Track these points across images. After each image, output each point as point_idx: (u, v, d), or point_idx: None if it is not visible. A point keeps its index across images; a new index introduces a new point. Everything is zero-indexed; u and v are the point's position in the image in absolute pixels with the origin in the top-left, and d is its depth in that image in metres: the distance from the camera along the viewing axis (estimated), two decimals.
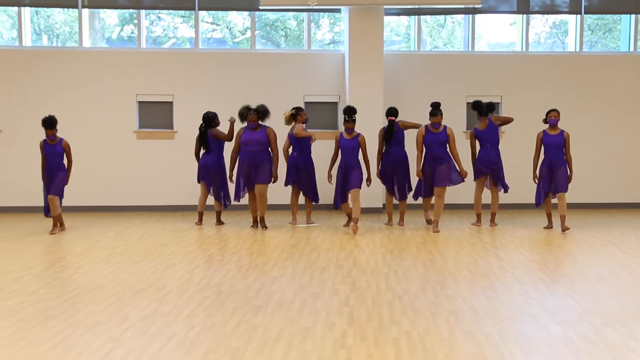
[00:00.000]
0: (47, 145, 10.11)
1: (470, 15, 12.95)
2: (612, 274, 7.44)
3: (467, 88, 12.76)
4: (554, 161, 10.16)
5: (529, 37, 13.15)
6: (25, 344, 5.10)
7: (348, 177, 10.12)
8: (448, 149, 10.20)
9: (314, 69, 12.72)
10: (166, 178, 12.55)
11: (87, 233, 10.10)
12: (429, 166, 10.20)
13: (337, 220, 11.26)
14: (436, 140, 10.14)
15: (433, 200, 10.46)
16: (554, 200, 10.71)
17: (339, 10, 12.88)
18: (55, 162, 10.10)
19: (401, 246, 9.07)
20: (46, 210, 10.14)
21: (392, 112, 10.65)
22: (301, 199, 11.09)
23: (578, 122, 12.43)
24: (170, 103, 12.64)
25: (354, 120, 10.22)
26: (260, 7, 12.18)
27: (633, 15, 13.06)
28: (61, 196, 10.12)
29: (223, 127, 10.88)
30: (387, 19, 12.96)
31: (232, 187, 10.71)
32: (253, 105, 10.27)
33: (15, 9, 12.65)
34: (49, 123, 9.96)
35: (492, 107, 10.69)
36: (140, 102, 12.65)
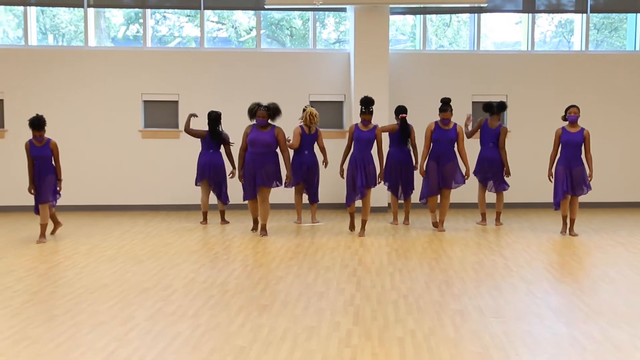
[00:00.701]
0: (34, 147, 9.32)
1: (476, 14, 12.92)
2: (618, 274, 7.41)
3: (472, 87, 12.73)
4: (572, 160, 9.62)
5: (535, 36, 13.11)
6: (30, 343, 5.11)
7: (362, 174, 9.59)
8: (455, 148, 10.02)
9: (319, 68, 12.71)
10: (171, 177, 12.55)
11: (92, 232, 10.11)
12: (434, 162, 9.93)
13: (342, 219, 11.24)
14: (445, 137, 9.89)
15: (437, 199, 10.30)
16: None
17: (344, 10, 12.87)
18: (43, 165, 9.35)
19: (406, 245, 9.06)
20: (36, 209, 9.48)
21: (403, 109, 10.57)
22: (306, 198, 11.08)
23: (584, 121, 12.28)
24: (176, 102, 12.65)
25: (372, 112, 9.65)
26: (266, 7, 12.19)
27: (639, 14, 13.01)
28: (55, 200, 9.51)
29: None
30: (392, 18, 12.94)
31: (231, 187, 10.67)
32: (264, 103, 9.73)
33: (21, 8, 12.67)
34: (37, 124, 9.22)
35: (503, 106, 10.63)
36: (145, 102, 12.66)
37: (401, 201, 10.97)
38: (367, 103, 9.64)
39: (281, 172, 9.76)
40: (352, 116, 12.02)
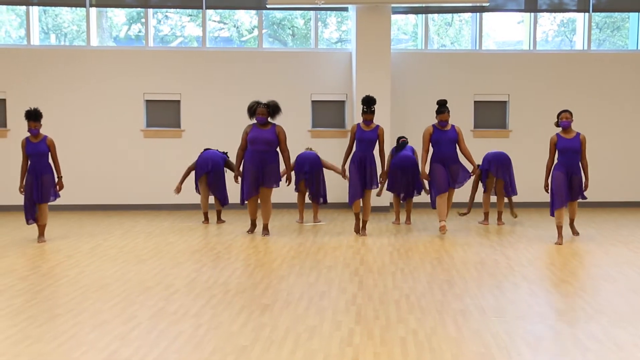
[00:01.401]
0: (30, 144, 9.09)
1: (478, 14, 12.92)
2: (620, 274, 7.40)
3: (474, 87, 12.73)
4: (571, 167, 9.09)
5: (537, 36, 13.10)
6: (32, 342, 5.11)
7: (365, 174, 9.48)
8: (457, 148, 9.76)
9: (321, 67, 12.71)
10: (173, 177, 12.51)
11: (94, 232, 10.12)
12: (438, 164, 9.58)
13: (344, 218, 11.24)
14: (445, 138, 9.60)
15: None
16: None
17: (346, 9, 12.87)
18: (39, 163, 9.10)
19: (408, 245, 9.05)
20: (28, 216, 9.17)
21: (403, 137, 10.71)
22: (307, 197, 11.08)
23: (586, 121, 12.36)
24: (178, 102, 12.66)
25: (373, 112, 9.50)
26: (268, 6, 12.20)
27: None
28: (54, 199, 9.33)
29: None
30: (394, 17, 12.94)
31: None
32: (264, 101, 9.58)
33: (24, 8, 12.68)
34: (34, 114, 8.98)
35: None
36: (147, 101, 12.67)
37: (402, 200, 10.96)
38: (368, 102, 9.49)
39: (279, 172, 9.62)
40: (354, 116, 12.02)
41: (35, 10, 12.79)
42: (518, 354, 4.84)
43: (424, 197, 10.75)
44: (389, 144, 11.30)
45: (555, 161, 9.28)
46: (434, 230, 10.10)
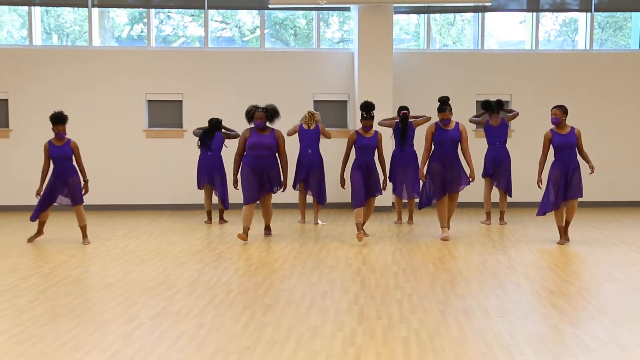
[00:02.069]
0: (54, 147, 9.01)
1: (480, 13, 12.91)
2: (622, 273, 7.40)
3: (476, 86, 12.72)
4: (568, 164, 8.82)
5: (539, 35, 13.10)
6: (35, 342, 5.12)
7: (369, 181, 9.16)
8: (458, 149, 9.45)
9: (323, 67, 12.71)
10: (175, 177, 12.57)
11: (97, 232, 10.12)
12: (437, 165, 9.29)
13: (346, 218, 11.24)
14: (448, 137, 9.26)
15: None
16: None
17: (348, 9, 12.87)
18: (65, 166, 9.04)
19: (410, 245, 9.05)
20: (35, 214, 9.10)
21: (404, 107, 10.56)
22: (309, 198, 11.08)
23: (588, 120, 12.35)
24: (180, 102, 12.66)
25: (373, 117, 9.23)
26: (270, 6, 12.20)
27: None
28: (82, 202, 9.20)
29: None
30: (396, 17, 12.94)
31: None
32: (262, 105, 9.32)
33: (26, 8, 12.69)
34: (60, 118, 8.94)
35: (500, 104, 10.66)
36: (149, 101, 12.68)
37: (405, 201, 10.96)
38: (367, 108, 9.22)
39: (281, 177, 9.34)
40: (356, 116, 12.01)
41: (37, 10, 12.81)
42: (520, 354, 4.84)
43: None
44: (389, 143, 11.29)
45: (553, 159, 9.03)
46: (436, 230, 10.06)
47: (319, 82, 12.69)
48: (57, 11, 13.39)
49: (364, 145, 9.22)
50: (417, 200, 10.77)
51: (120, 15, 13.71)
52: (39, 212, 9.13)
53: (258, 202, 9.36)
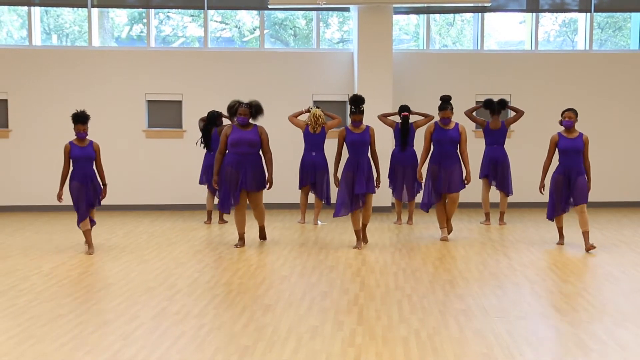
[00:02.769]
0: (77, 148, 8.46)
1: (480, 14, 12.91)
2: (623, 273, 7.40)
3: (476, 87, 12.72)
4: (572, 169, 8.62)
5: (539, 36, 13.10)
6: (35, 342, 5.12)
7: (363, 179, 8.66)
8: (457, 149, 9.38)
9: (323, 67, 12.71)
10: (175, 177, 12.57)
11: (97, 232, 10.10)
12: (435, 165, 9.21)
13: (346, 219, 11.22)
14: (447, 137, 9.16)
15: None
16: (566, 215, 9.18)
17: (348, 9, 12.87)
18: (87, 167, 8.47)
19: (410, 245, 9.05)
20: (80, 219, 8.46)
21: (405, 108, 10.54)
22: (310, 198, 11.07)
23: (588, 120, 12.35)
24: (179, 102, 12.66)
25: (362, 112, 8.72)
26: (270, 6, 12.19)
27: None
28: (99, 204, 8.74)
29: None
30: (396, 17, 12.94)
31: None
32: (246, 101, 8.90)
33: (25, 8, 12.69)
34: (82, 117, 8.49)
35: (504, 103, 10.64)
36: (149, 101, 12.67)
37: (405, 201, 10.96)
38: (356, 102, 8.71)
39: (265, 175, 8.92)
40: None
41: (37, 10, 12.80)
42: (520, 354, 4.85)
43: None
44: (389, 140, 11.29)
45: (556, 163, 8.89)
46: (436, 230, 10.07)
47: (318, 83, 12.69)
48: (56, 11, 13.38)
49: (354, 142, 8.75)
50: (417, 201, 10.85)
51: (119, 16, 13.70)
52: (85, 214, 8.45)
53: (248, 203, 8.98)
